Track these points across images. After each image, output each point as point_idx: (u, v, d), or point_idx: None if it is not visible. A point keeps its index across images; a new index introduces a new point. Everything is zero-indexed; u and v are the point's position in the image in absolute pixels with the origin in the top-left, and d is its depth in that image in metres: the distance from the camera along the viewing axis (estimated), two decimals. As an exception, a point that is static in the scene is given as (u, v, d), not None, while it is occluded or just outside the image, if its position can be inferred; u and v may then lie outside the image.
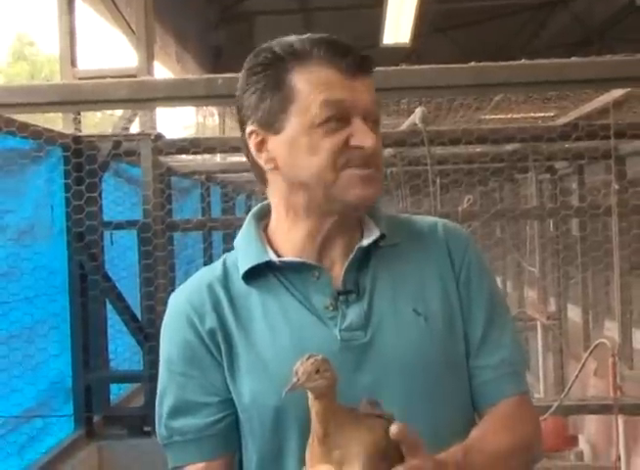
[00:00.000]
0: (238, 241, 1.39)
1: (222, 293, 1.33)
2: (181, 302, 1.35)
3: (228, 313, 1.32)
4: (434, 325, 1.31)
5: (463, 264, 1.36)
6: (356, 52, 1.30)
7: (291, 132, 1.28)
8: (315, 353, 1.07)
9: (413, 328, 1.30)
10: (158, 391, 1.35)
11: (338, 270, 1.32)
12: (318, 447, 1.07)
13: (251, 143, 1.32)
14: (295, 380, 1.05)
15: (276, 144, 1.30)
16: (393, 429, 1.07)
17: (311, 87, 1.27)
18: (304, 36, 1.31)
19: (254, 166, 1.35)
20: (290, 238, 1.33)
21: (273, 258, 1.32)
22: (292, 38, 1.31)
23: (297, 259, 1.32)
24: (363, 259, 1.33)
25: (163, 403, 1.34)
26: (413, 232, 1.39)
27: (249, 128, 1.32)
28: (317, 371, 1.05)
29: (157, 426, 1.35)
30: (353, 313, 1.30)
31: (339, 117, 1.26)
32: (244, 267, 1.33)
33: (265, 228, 1.38)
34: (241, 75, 1.33)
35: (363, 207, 1.31)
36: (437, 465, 1.12)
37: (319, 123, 1.26)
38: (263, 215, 1.39)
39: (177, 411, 1.32)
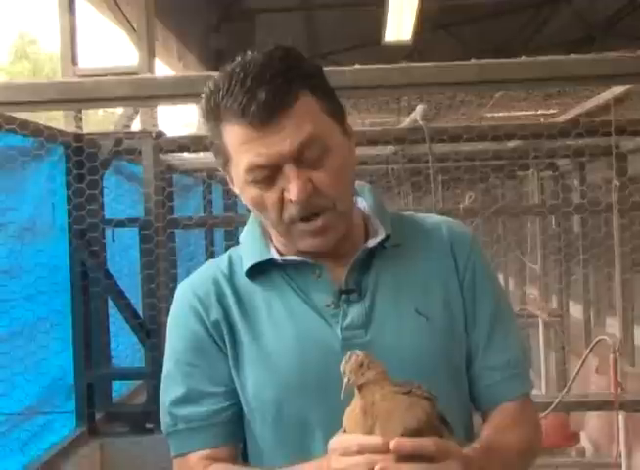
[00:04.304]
0: (243, 237, 1.40)
1: (227, 287, 1.34)
2: (187, 293, 1.36)
3: (233, 307, 1.33)
4: (436, 326, 1.31)
5: (467, 267, 1.36)
6: (262, 95, 1.16)
7: (237, 184, 1.28)
8: (354, 350, 1.11)
9: (414, 328, 1.30)
10: (162, 379, 1.36)
11: (341, 269, 1.32)
12: (360, 415, 1.09)
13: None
14: (346, 380, 1.09)
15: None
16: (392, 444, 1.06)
17: (234, 147, 1.23)
18: (231, 70, 1.20)
19: None
20: None
21: (275, 256, 1.33)
22: (221, 75, 1.22)
23: (298, 258, 1.32)
24: (366, 259, 1.33)
25: (169, 392, 1.34)
26: (417, 232, 1.39)
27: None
28: (361, 365, 1.09)
29: (161, 414, 1.36)
30: (355, 312, 1.30)
31: (268, 174, 1.22)
32: (247, 264, 1.34)
33: None
34: None
35: (322, 253, 1.30)
36: (465, 461, 1.13)
37: (251, 182, 1.24)
38: None
39: (183, 400, 1.32)
